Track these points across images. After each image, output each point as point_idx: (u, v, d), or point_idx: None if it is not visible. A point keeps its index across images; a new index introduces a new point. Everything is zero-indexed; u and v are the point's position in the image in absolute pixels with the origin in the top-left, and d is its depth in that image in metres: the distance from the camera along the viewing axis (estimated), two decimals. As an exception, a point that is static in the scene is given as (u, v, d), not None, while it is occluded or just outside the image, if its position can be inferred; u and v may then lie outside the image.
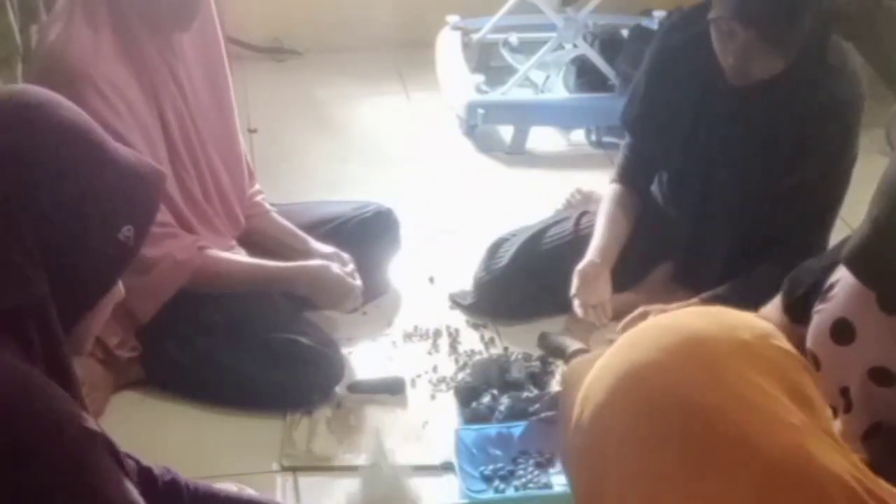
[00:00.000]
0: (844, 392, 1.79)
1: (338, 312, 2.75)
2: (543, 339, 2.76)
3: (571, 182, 3.29)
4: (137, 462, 1.78)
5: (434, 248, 3.18)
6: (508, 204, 3.38)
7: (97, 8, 2.44)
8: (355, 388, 2.64)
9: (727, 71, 2.52)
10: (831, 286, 1.81)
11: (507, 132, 3.78)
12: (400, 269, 3.03)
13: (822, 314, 1.80)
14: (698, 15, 2.59)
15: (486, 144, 3.77)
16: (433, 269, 3.07)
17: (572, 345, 2.66)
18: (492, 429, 2.48)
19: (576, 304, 2.69)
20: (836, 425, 1.75)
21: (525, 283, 2.86)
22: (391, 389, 2.65)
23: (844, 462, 1.24)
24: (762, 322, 1.34)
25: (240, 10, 3.89)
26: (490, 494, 2.35)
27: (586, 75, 3.80)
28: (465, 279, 2.96)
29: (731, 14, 2.44)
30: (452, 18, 4.11)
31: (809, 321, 1.83)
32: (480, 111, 3.73)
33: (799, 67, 2.51)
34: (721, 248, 2.71)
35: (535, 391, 2.58)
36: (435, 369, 2.72)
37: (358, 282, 2.70)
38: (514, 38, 4.06)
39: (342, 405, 2.60)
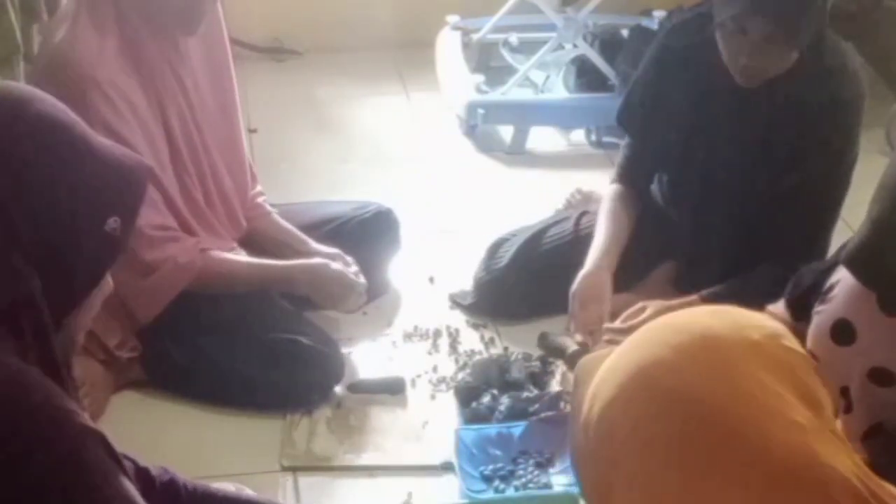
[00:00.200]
0: (844, 392, 1.79)
1: (340, 312, 2.75)
2: (543, 339, 2.75)
3: (571, 182, 3.29)
4: (135, 462, 1.77)
5: (434, 248, 3.17)
6: (508, 204, 3.38)
7: (103, 10, 2.43)
8: (355, 388, 2.64)
9: (738, 73, 2.50)
10: (831, 287, 1.80)
11: (507, 132, 3.78)
12: (400, 269, 3.03)
13: (822, 315, 1.80)
14: (699, 23, 2.59)
15: (486, 144, 3.77)
16: (433, 269, 3.07)
17: (572, 345, 2.66)
18: (492, 429, 2.48)
19: (573, 326, 2.67)
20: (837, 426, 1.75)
21: (525, 283, 2.86)
22: (391, 389, 2.65)
23: (850, 462, 1.24)
24: (772, 322, 1.34)
25: (240, 10, 3.89)
26: (490, 494, 2.35)
27: (586, 75, 3.80)
28: (465, 279, 2.96)
29: (746, 7, 2.43)
30: (452, 18, 4.11)
31: (810, 321, 1.83)
32: (480, 111, 3.72)
33: (799, 67, 2.51)
34: (721, 249, 2.71)
35: (535, 391, 2.58)
36: (435, 369, 2.72)
37: (362, 280, 2.70)
38: (514, 38, 4.06)
39: (342, 405, 2.60)
